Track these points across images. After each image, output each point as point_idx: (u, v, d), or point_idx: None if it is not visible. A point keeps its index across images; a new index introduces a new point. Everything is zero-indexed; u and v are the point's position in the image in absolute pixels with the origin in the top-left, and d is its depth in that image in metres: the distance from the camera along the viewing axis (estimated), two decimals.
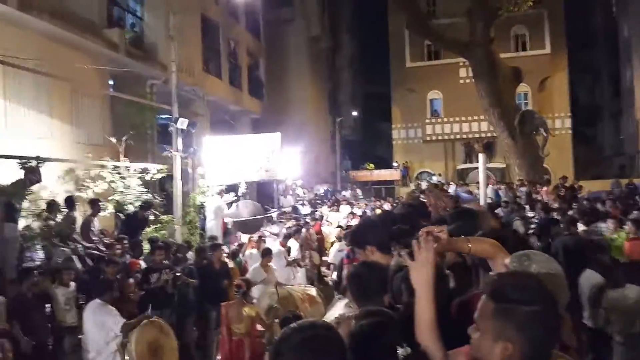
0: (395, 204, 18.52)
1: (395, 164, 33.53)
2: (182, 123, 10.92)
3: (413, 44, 32.47)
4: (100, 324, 5.78)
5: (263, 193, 16.39)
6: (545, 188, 16.29)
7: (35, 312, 6.53)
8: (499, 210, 11.94)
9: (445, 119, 32.28)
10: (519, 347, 1.52)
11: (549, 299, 1.59)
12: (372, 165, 35.16)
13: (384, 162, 35.58)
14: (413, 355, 1.90)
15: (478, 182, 16.61)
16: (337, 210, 18.09)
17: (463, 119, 31.57)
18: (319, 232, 13.95)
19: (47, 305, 6.80)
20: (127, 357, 5.68)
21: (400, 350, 1.89)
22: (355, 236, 3.25)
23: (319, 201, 22.49)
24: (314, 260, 12.30)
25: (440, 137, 32.50)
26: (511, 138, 20.19)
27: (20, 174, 7.95)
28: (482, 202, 8.39)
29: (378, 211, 17.61)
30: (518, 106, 24.36)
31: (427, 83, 32.12)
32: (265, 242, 10.65)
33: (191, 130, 11.58)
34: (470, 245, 2.23)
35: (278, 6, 27.22)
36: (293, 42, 28.25)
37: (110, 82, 13.56)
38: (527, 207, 12.54)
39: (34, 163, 7.95)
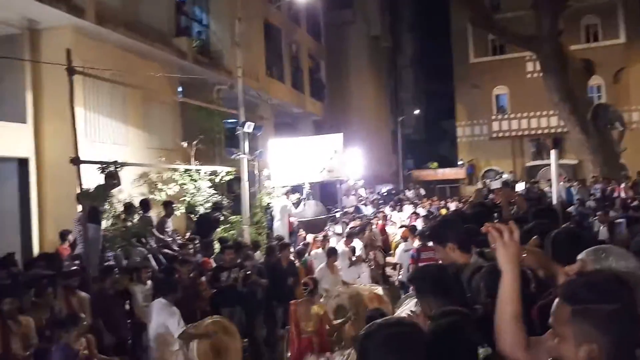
0: (462, 203, 18.16)
1: (460, 162, 32.81)
2: (249, 127, 11.21)
3: (477, 39, 31.68)
4: (163, 324, 5.95)
5: (326, 193, 16.51)
6: (622, 185, 15.43)
7: (116, 308, 6.92)
8: (572, 209, 11.47)
9: (512, 115, 31.24)
10: (603, 348, 1.47)
11: (627, 294, 1.54)
12: (435, 164, 34.58)
13: (448, 161, 34.91)
14: (493, 355, 1.86)
15: (549, 180, 15.93)
16: (400, 210, 17.94)
17: (531, 114, 30.43)
18: (383, 232, 13.89)
19: (126, 302, 7.20)
20: (189, 356, 5.87)
21: (480, 350, 1.86)
22: (435, 232, 3.22)
23: (381, 201, 22.40)
24: (378, 260, 12.26)
25: (507, 134, 31.47)
26: (584, 133, 19.28)
27: (99, 179, 8.46)
28: (554, 201, 8.05)
29: (443, 211, 17.33)
30: (590, 100, 23.25)
31: (493, 78, 31.21)
32: (329, 241, 10.75)
33: (257, 133, 11.86)
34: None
35: (338, 8, 27.35)
36: (354, 43, 28.29)
37: (179, 89, 14.15)
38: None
39: (112, 168, 8.41)
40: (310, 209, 11.98)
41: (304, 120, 23.14)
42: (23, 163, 10.59)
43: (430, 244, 9.67)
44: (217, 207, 10.89)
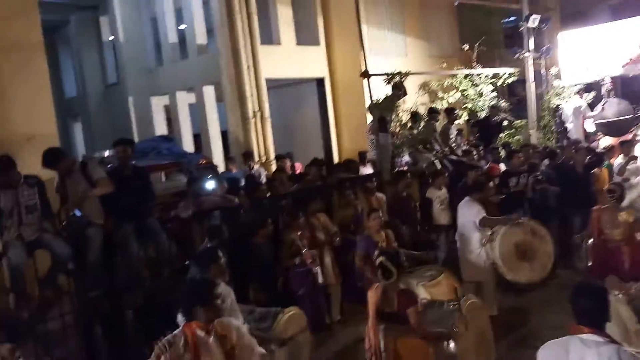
0: None
1: None
2: (534, 20, 10.20)
3: None
4: (466, 221, 6.13)
5: (630, 90, 14.12)
6: None
7: (408, 209, 7.43)
8: None
9: None
10: None
11: None
12: None
13: None
14: None
15: None
16: None
17: None
18: None
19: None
20: (492, 255, 5.93)
21: None
22: None
23: None
24: None
25: None
26: None
27: (386, 90, 8.90)
28: None
29: None
30: None
31: None
32: (635, 146, 9.28)
33: (543, 27, 10.73)
34: None
35: None
36: None
37: None
38: None
39: (397, 79, 8.76)
40: (611, 109, 10.45)
41: (599, 6, 19.83)
42: (320, 82, 11.91)
43: None
44: (495, 110, 10.43)
